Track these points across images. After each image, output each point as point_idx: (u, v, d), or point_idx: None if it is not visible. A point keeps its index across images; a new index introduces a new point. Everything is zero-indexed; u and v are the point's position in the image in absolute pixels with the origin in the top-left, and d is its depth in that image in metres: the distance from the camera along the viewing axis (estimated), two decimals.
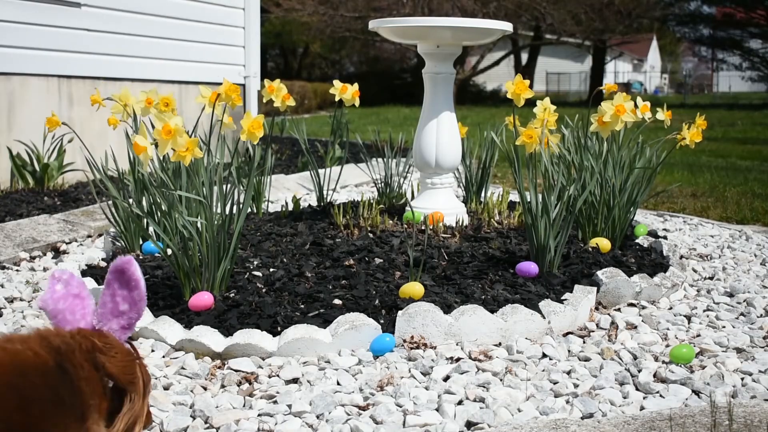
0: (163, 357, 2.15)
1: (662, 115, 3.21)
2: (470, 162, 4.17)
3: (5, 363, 1.25)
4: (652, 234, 3.58)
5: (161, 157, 2.71)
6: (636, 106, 3.11)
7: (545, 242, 2.71)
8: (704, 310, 2.65)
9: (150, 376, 1.52)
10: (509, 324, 2.28)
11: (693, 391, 1.95)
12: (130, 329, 1.44)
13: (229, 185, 2.57)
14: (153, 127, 3.04)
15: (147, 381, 1.49)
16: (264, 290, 2.51)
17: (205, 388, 1.93)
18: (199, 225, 2.40)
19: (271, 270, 2.72)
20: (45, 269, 3.10)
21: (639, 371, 2.05)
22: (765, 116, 16.97)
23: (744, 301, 2.73)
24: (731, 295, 2.83)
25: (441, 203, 3.43)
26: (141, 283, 1.41)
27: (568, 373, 2.05)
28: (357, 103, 3.42)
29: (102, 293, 1.42)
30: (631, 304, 2.66)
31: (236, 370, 2.03)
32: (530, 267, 2.67)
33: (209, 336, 2.15)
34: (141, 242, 3.11)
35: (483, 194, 4.08)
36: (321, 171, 4.38)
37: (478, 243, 3.09)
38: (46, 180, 4.68)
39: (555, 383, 1.97)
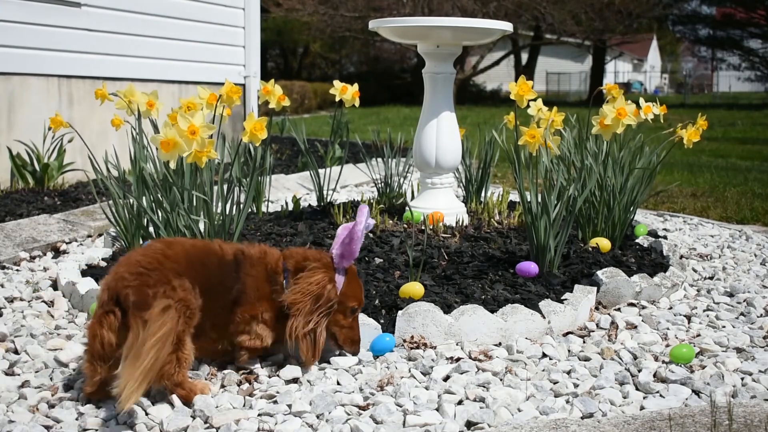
0: None
1: (657, 109, 3.23)
2: (470, 162, 4.17)
3: (199, 247, 1.95)
4: (652, 234, 3.58)
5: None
6: (639, 106, 3.12)
7: (545, 242, 2.71)
8: (704, 310, 2.65)
9: (329, 297, 1.97)
10: (509, 324, 2.28)
11: (693, 391, 1.95)
12: (346, 258, 2.02)
13: (229, 185, 2.57)
14: (153, 128, 3.04)
15: (316, 295, 1.97)
16: None
17: None
18: (201, 225, 2.40)
19: None
20: (45, 269, 3.10)
21: (639, 371, 2.05)
22: (765, 116, 16.98)
23: (744, 300, 2.74)
24: (731, 295, 2.83)
25: (441, 203, 3.42)
26: (355, 228, 1.99)
27: (568, 372, 2.06)
28: (357, 103, 3.42)
29: None
30: (631, 304, 2.66)
31: (236, 370, 2.03)
32: (530, 267, 2.67)
33: None
34: (141, 242, 3.10)
35: (483, 194, 4.07)
36: (321, 171, 4.38)
37: (478, 243, 3.09)
38: (46, 180, 4.68)
39: (555, 383, 1.97)
